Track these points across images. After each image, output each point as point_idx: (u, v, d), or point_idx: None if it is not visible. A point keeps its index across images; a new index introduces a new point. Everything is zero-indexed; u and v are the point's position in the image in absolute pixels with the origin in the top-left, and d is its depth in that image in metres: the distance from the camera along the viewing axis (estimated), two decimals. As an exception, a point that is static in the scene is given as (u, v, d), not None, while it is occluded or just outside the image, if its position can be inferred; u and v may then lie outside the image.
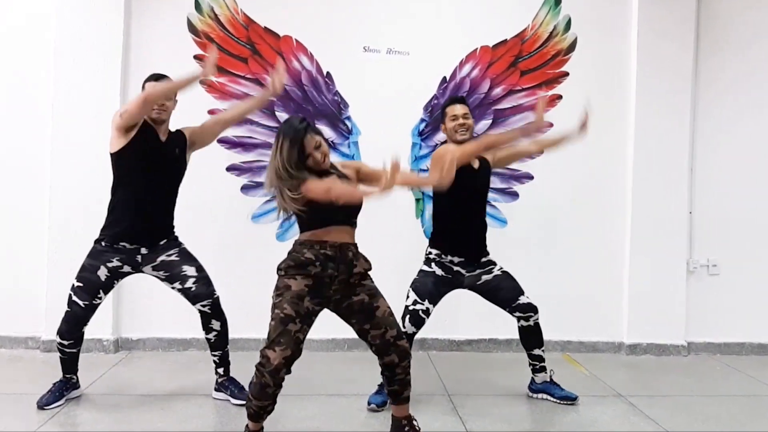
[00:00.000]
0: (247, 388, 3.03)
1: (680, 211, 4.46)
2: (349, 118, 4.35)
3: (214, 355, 3.31)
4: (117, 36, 4.13)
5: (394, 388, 2.73)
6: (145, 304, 4.19)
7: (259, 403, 2.53)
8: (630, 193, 4.44)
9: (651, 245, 4.40)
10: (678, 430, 3.06)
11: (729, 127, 4.54)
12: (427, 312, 3.23)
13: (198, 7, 4.24)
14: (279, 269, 2.63)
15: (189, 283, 3.17)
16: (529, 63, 4.41)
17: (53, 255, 4.06)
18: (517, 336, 3.41)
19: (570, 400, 3.36)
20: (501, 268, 3.36)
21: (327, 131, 4.26)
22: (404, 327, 3.18)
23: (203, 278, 3.21)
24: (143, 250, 3.14)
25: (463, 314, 4.29)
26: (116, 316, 4.18)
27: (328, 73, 4.34)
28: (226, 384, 3.31)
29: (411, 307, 3.22)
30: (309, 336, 2.62)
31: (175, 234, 3.28)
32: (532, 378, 3.45)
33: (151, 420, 3.03)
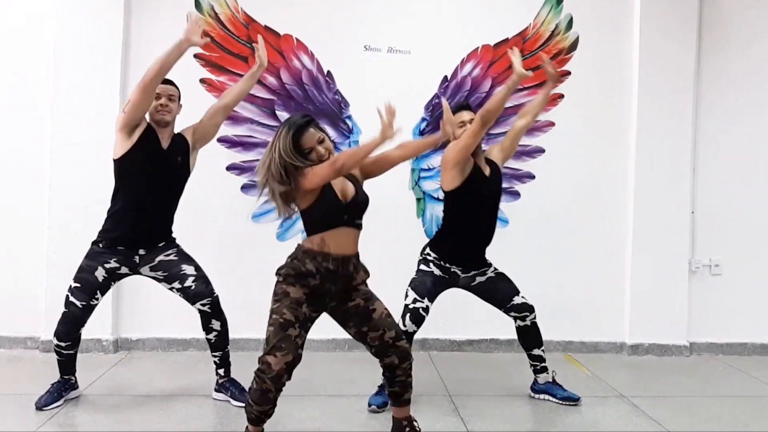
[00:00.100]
0: (247, 389, 3.01)
1: (682, 211, 4.44)
2: (349, 117, 4.33)
3: (215, 356, 3.29)
4: (117, 35, 4.12)
5: (395, 389, 2.72)
6: (144, 304, 4.18)
7: (260, 408, 2.51)
8: (632, 192, 4.42)
9: (653, 245, 4.39)
10: (680, 431, 3.04)
11: (731, 126, 4.53)
12: (426, 310, 3.22)
13: (198, 5, 4.23)
14: (278, 274, 2.60)
15: (188, 282, 3.15)
16: (531, 62, 4.38)
17: (52, 255, 4.05)
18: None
19: (572, 401, 3.34)
20: (495, 270, 3.34)
21: (328, 130, 4.23)
22: (404, 325, 3.17)
23: (202, 277, 3.20)
24: (141, 251, 3.13)
25: (464, 314, 4.27)
26: (116, 316, 4.16)
27: (328, 72, 4.32)
28: (227, 385, 3.29)
29: (411, 306, 3.21)
30: (309, 336, 2.62)
31: (173, 236, 3.27)
32: (534, 379, 3.44)
33: (150, 421, 3.02)
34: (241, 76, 4.20)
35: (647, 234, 4.39)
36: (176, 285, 3.17)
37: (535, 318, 3.32)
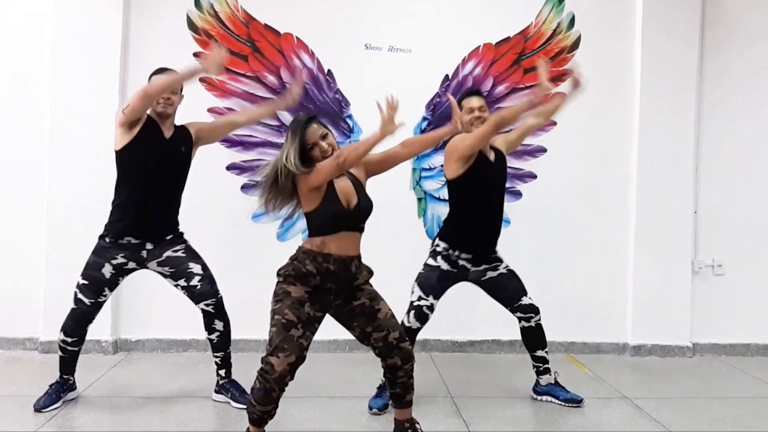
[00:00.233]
0: (248, 390, 2.99)
1: (685, 211, 4.42)
2: (350, 116, 4.31)
3: (217, 357, 3.27)
4: (116, 35, 4.10)
5: (396, 391, 2.70)
6: (144, 305, 4.16)
7: (263, 408, 2.49)
8: (634, 192, 4.40)
9: (655, 245, 4.36)
10: (684, 433, 3.03)
11: (734, 126, 4.51)
12: (431, 308, 3.21)
13: (198, 4, 4.20)
14: (278, 275, 2.58)
15: (195, 281, 3.14)
16: (533, 60, 4.36)
17: (52, 255, 4.03)
18: (520, 337, 3.38)
19: (575, 402, 3.32)
20: (507, 267, 3.32)
21: (328, 130, 4.22)
22: (408, 322, 3.16)
23: (208, 277, 3.19)
24: (149, 245, 3.11)
25: (466, 315, 4.26)
26: (115, 317, 4.14)
27: (329, 71, 4.30)
28: (228, 386, 3.27)
29: (416, 303, 3.20)
30: (310, 337, 2.59)
31: (181, 230, 3.25)
32: (537, 380, 3.41)
33: (150, 422, 3.00)
34: (241, 75, 4.22)
35: (650, 234, 4.37)
36: (182, 282, 3.15)
37: (540, 320, 3.30)
